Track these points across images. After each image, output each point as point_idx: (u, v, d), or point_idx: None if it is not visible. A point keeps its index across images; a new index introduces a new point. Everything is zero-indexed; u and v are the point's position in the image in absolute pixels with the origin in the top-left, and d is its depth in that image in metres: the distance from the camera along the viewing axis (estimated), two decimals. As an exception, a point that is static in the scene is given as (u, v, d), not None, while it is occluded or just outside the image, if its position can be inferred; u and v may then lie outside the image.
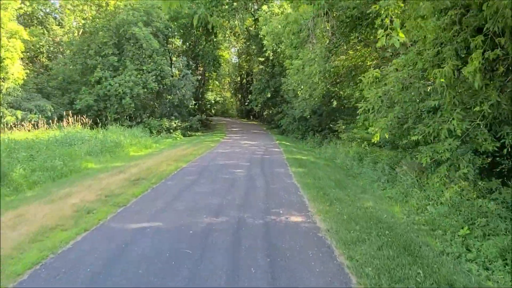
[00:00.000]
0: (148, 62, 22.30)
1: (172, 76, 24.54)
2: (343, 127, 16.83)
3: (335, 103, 19.54)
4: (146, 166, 10.03)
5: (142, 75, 22.00)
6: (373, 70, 5.53)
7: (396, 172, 8.93)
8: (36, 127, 16.43)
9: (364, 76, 5.61)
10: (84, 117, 17.11)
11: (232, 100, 54.70)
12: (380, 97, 5.18)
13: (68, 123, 16.38)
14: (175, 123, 23.20)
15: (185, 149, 15.17)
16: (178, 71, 23.70)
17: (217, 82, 32.36)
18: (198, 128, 28.66)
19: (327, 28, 11.74)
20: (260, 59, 26.78)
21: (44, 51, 27.86)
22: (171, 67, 26.49)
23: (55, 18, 30.65)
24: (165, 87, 23.40)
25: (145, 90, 22.47)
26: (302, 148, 18.40)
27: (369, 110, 5.49)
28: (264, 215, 5.60)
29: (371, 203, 6.62)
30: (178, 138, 22.22)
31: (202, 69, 29.02)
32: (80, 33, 26.16)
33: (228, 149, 15.78)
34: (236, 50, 39.73)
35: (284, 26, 14.80)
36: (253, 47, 24.96)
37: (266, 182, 8.16)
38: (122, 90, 20.86)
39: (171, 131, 23.00)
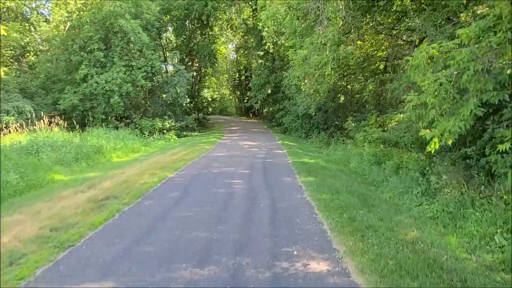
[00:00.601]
0: (138, 58, 20.51)
1: (167, 72, 22.76)
2: (353, 124, 15.04)
3: (342, 98, 17.78)
4: (124, 178, 8.25)
5: (131, 71, 20.22)
6: (426, 46, 3.78)
7: (432, 182, 7.17)
8: (16, 130, 14.69)
9: (414, 56, 3.85)
10: (62, 119, 15.22)
11: (230, 97, 52.87)
12: (441, 85, 3.42)
13: (45, 124, 14.57)
14: (168, 123, 21.41)
15: (176, 153, 13.41)
16: (172, 67, 21.83)
17: (214, 79, 30.54)
18: (195, 127, 26.88)
19: (340, 7, 9.97)
20: (259, 53, 24.95)
21: (31, 49, 26.10)
22: (165, 62, 24.71)
23: (41, 14, 28.83)
24: (158, 84, 21.61)
25: (136, 88, 20.73)
26: (307, 148, 16.63)
27: (425, 104, 3.73)
28: (272, 261, 3.83)
29: (416, 232, 4.85)
30: (171, 140, 20.45)
31: (197, 65, 27.15)
32: (66, 28, 24.34)
33: (225, 152, 14.02)
34: (234, 46, 37.81)
35: (286, 11, 13.01)
36: (252, 40, 23.12)
37: (272, 200, 6.39)
38: (110, 88, 19.08)
39: (165, 131, 21.23)
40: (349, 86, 17.83)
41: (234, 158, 12.14)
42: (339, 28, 11.19)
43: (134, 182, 7.80)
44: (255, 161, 11.47)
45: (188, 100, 22.78)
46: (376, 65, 16.85)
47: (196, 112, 29.38)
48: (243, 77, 41.49)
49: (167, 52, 23.29)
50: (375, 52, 15.11)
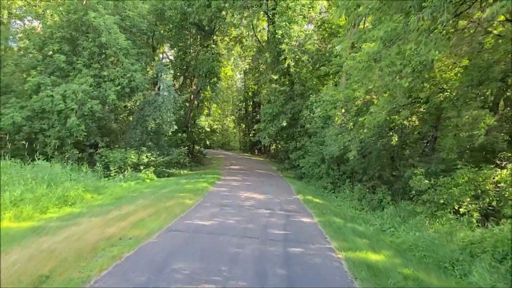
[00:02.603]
0: (113, 67, 15.33)
1: (153, 90, 17.49)
2: (425, 181, 9.30)
3: (395, 138, 12.20)
4: None
5: (101, 84, 14.97)
6: None
7: None
8: None
9: None
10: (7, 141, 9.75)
11: (234, 130, 47.68)
12: None
13: None
14: (147, 156, 15.79)
15: (128, 214, 7.64)
16: (153, 79, 16.49)
17: (216, 107, 25.39)
18: (186, 164, 21.22)
19: None
20: (273, 76, 19.78)
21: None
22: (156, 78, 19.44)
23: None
24: (138, 104, 16.29)
25: (107, 107, 15.39)
26: (343, 211, 10.82)
27: None
28: None
29: None
30: (147, 180, 14.73)
31: (195, 86, 21.94)
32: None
33: (214, 215, 8.23)
34: (242, 72, 32.88)
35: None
36: (266, 55, 18.19)
37: None
38: (68, 105, 13.75)
39: (141, 168, 15.58)
40: (406, 122, 12.22)
41: (228, 238, 6.35)
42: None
43: None
44: (268, 250, 5.70)
45: (175, 127, 17.26)
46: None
47: (190, 144, 23.82)
48: (250, 108, 36.36)
49: (154, 62, 17.99)
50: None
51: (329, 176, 15.35)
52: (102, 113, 14.89)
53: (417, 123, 12.26)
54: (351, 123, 12.07)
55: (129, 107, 16.75)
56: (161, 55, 23.70)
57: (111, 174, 14.43)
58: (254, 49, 23.56)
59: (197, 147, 27.10)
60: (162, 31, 20.82)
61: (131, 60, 15.71)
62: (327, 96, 11.35)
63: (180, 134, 21.29)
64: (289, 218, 8.56)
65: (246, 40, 24.15)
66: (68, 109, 13.78)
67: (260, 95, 25.32)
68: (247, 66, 29.68)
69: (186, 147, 22.40)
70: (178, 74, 22.23)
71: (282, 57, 16.76)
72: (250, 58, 27.89)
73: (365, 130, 11.56)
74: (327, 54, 20.82)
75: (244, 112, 38.35)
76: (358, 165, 13.53)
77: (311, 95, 18.44)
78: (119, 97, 15.39)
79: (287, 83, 19.24)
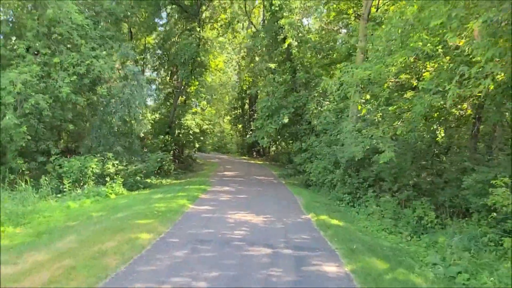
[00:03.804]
0: (67, 53, 12.05)
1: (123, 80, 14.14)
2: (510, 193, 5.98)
3: (441, 133, 8.94)
4: None
5: (52, 73, 11.71)
6: None
7: None
8: None
9: None
10: None
11: (231, 132, 44.37)
12: None
13: None
14: (113, 164, 12.49)
15: (32, 269, 4.32)
16: (120, 67, 13.08)
17: (204, 102, 22.01)
18: (171, 171, 17.96)
19: None
20: (271, 65, 16.46)
21: None
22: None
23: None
24: (102, 98, 13.00)
25: (58, 102, 12.13)
26: (379, 238, 7.54)
27: None
28: None
29: None
30: (111, 196, 11.44)
31: (179, 79, 18.48)
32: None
33: (178, 268, 4.89)
34: (235, 62, 29.33)
35: None
36: (262, 36, 14.79)
37: None
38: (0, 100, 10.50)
39: (107, 178, 12.29)
40: (456, 110, 8.82)
41: None
42: None
43: None
44: None
45: (149, 127, 13.93)
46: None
47: (177, 148, 20.48)
48: (246, 106, 32.99)
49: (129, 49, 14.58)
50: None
51: (345, 184, 12.01)
52: (53, 111, 11.60)
53: (469, 111, 8.89)
54: (379, 114, 8.78)
55: (91, 103, 13.44)
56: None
57: (65, 189, 11.15)
58: (248, 37, 20.14)
59: (187, 151, 23.76)
60: (141, 16, 17.59)
61: (92, 44, 12.43)
62: (346, 77, 8.06)
63: (162, 137, 17.96)
64: (302, 265, 5.25)
65: (238, 23, 20.78)
66: (2, 105, 10.51)
67: (256, 87, 21.82)
68: (242, 55, 26.16)
69: (171, 152, 19.15)
70: (158, 64, 18.98)
71: (282, 36, 13.47)
72: (244, 49, 24.52)
73: (400, 123, 8.32)
74: (331, 43, 17.61)
75: (240, 111, 34.98)
76: (387, 170, 10.19)
77: (316, 87, 15.20)
78: (76, 90, 12.11)
79: (288, 70, 15.89)
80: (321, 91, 14.15)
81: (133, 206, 9.41)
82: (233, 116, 36.99)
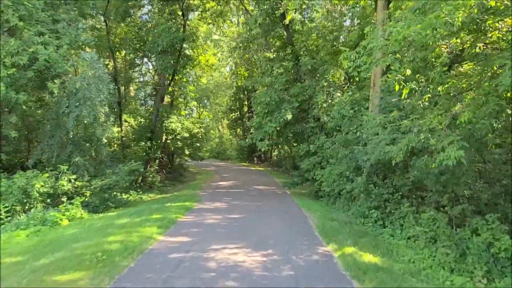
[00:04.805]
0: (5, 39, 9.37)
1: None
2: None
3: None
4: None
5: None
6: None
7: None
8: None
9: None
10: None
11: (231, 137, 41.66)
12: None
13: None
14: (70, 180, 9.73)
15: None
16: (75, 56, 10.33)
17: (195, 102, 19.16)
18: (155, 183, 15.20)
19: None
20: (268, 54, 13.70)
21: None
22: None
23: None
24: (53, 97, 10.26)
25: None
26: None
27: None
28: None
29: None
30: (63, 222, 8.67)
31: (157, 71, 15.64)
32: None
33: None
34: (231, 64, 26.61)
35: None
36: (255, 12, 12.16)
37: None
38: None
39: (63, 199, 9.54)
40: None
41: None
42: None
43: None
44: None
45: (113, 130, 11.17)
46: None
47: (164, 157, 17.70)
48: (245, 107, 30.19)
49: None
50: None
51: (370, 195, 9.16)
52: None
53: None
54: (427, 96, 5.97)
55: (45, 104, 10.76)
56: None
57: (1, 217, 8.41)
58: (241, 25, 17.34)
59: (178, 160, 20.95)
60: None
61: (37, 27, 9.74)
62: (378, 40, 5.31)
63: (143, 143, 15.21)
64: None
65: (230, 9, 18.09)
66: None
67: (251, 78, 18.91)
68: (234, 45, 23.41)
69: (156, 160, 16.39)
70: (135, 59, 16.29)
71: (281, 10, 10.72)
72: (237, 40, 21.81)
73: (461, 107, 5.57)
74: (337, 31, 14.93)
75: (239, 114, 32.17)
76: (433, 176, 7.34)
77: (325, 75, 12.46)
78: (17, 87, 9.40)
79: (289, 56, 13.10)
80: (330, 79, 11.33)
81: (77, 240, 6.62)
82: (231, 119, 34.22)
